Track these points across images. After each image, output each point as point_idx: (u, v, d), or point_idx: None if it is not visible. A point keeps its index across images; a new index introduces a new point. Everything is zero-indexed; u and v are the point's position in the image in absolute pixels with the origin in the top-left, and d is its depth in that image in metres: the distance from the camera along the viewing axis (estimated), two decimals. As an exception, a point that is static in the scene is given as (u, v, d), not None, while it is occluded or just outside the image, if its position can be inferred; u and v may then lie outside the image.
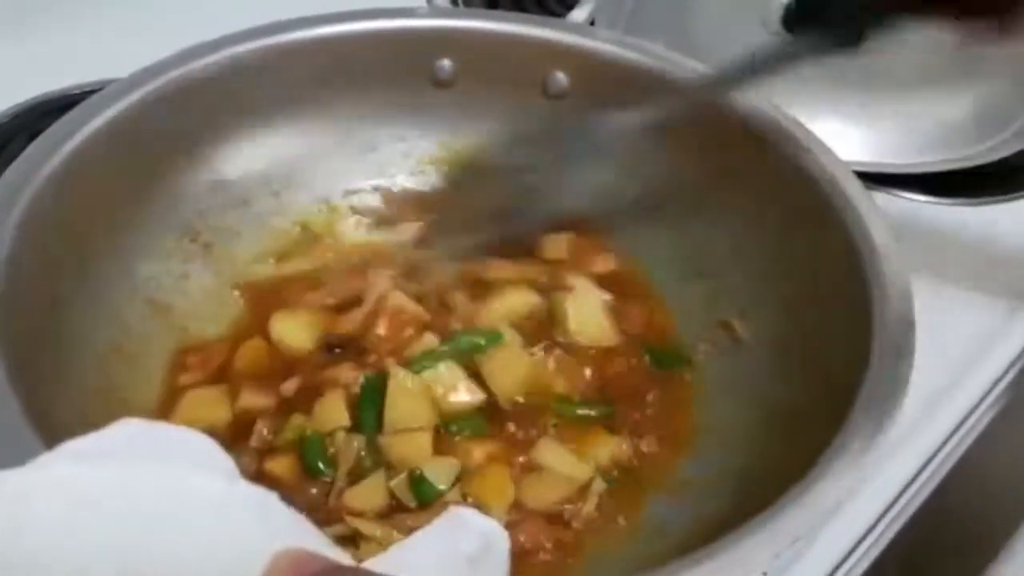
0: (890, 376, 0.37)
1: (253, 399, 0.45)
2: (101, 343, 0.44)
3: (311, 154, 0.55)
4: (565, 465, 0.43)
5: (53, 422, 0.36)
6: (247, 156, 0.53)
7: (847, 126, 0.63)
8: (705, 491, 0.42)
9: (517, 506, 0.42)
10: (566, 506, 0.42)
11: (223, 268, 0.51)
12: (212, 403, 0.45)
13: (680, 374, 0.48)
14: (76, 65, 0.62)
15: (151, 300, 0.48)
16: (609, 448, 0.44)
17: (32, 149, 0.44)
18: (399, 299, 0.48)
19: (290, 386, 0.46)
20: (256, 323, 0.49)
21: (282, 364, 0.47)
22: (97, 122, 0.45)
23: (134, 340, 0.46)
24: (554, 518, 0.42)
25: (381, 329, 0.47)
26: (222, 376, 0.47)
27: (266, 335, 0.49)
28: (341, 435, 0.43)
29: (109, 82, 0.48)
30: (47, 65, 0.64)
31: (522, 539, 0.40)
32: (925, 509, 0.45)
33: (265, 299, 0.50)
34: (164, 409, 0.45)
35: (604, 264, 0.52)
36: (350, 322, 0.49)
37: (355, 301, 0.49)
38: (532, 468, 0.43)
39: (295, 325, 0.49)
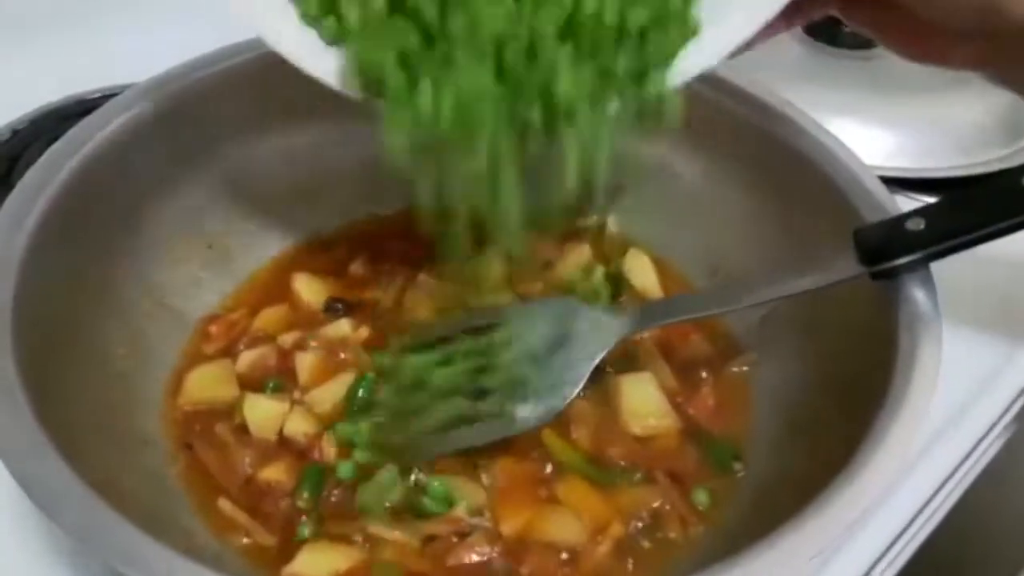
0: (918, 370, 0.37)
1: (252, 357, 0.47)
2: (114, 347, 0.44)
3: (326, 161, 0.55)
4: (586, 507, 0.41)
5: (66, 427, 0.36)
6: (262, 162, 0.52)
7: (869, 130, 0.63)
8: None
9: (527, 534, 0.41)
10: (578, 546, 0.40)
11: (239, 274, 0.52)
12: (216, 380, 0.46)
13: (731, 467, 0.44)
14: (95, 71, 0.63)
15: (164, 305, 0.48)
16: (641, 499, 0.42)
17: (50, 155, 0.44)
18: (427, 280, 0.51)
19: (288, 338, 0.48)
20: (279, 292, 0.51)
21: (297, 325, 0.49)
22: (113, 128, 0.45)
23: (146, 345, 0.46)
24: (564, 555, 0.40)
25: (406, 302, 0.50)
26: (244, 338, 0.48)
27: (287, 299, 0.50)
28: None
29: (126, 88, 0.48)
30: (65, 71, 0.64)
31: (525, 570, 0.40)
32: (933, 539, 0.44)
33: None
34: (172, 393, 0.45)
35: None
36: (369, 292, 0.51)
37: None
38: (552, 500, 0.42)
39: (314, 283, 0.51)
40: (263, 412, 0.44)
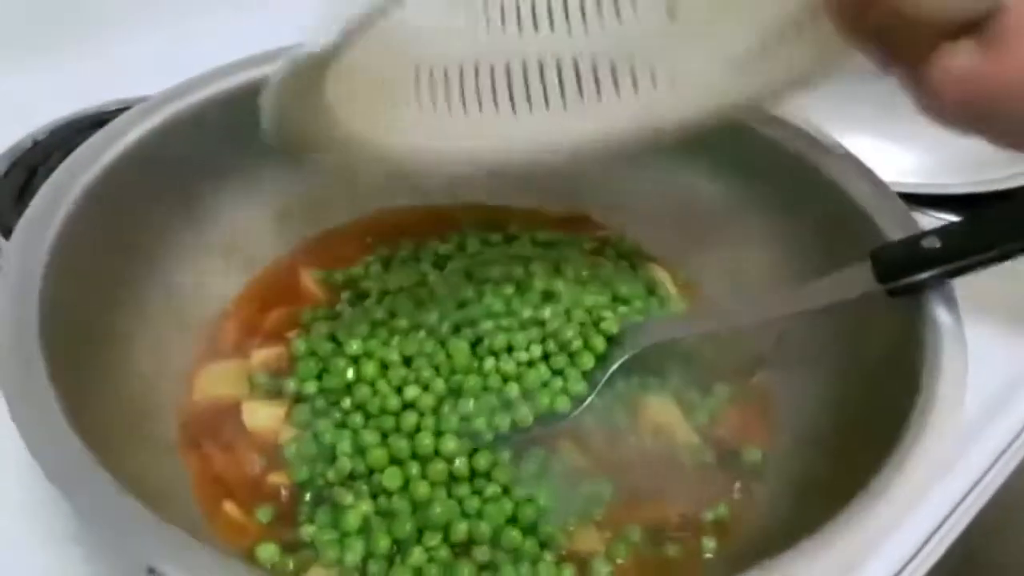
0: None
1: (264, 356, 0.47)
2: (136, 350, 0.44)
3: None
4: (602, 519, 0.41)
5: (91, 426, 0.36)
6: (279, 170, 0.52)
7: (886, 146, 0.62)
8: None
9: None
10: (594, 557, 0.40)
11: (256, 274, 0.52)
12: (227, 378, 0.46)
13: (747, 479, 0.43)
14: (111, 83, 0.63)
15: (185, 308, 0.48)
16: (658, 513, 0.42)
17: (67, 166, 0.44)
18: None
19: (294, 335, 0.48)
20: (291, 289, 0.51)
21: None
22: (130, 139, 0.46)
23: (167, 347, 0.46)
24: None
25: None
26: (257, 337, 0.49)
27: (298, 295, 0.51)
28: None
29: (143, 100, 0.48)
30: (82, 83, 0.64)
31: None
32: (955, 549, 0.44)
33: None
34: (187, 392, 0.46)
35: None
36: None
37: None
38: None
39: (324, 277, 0.51)
40: (262, 418, 0.44)
